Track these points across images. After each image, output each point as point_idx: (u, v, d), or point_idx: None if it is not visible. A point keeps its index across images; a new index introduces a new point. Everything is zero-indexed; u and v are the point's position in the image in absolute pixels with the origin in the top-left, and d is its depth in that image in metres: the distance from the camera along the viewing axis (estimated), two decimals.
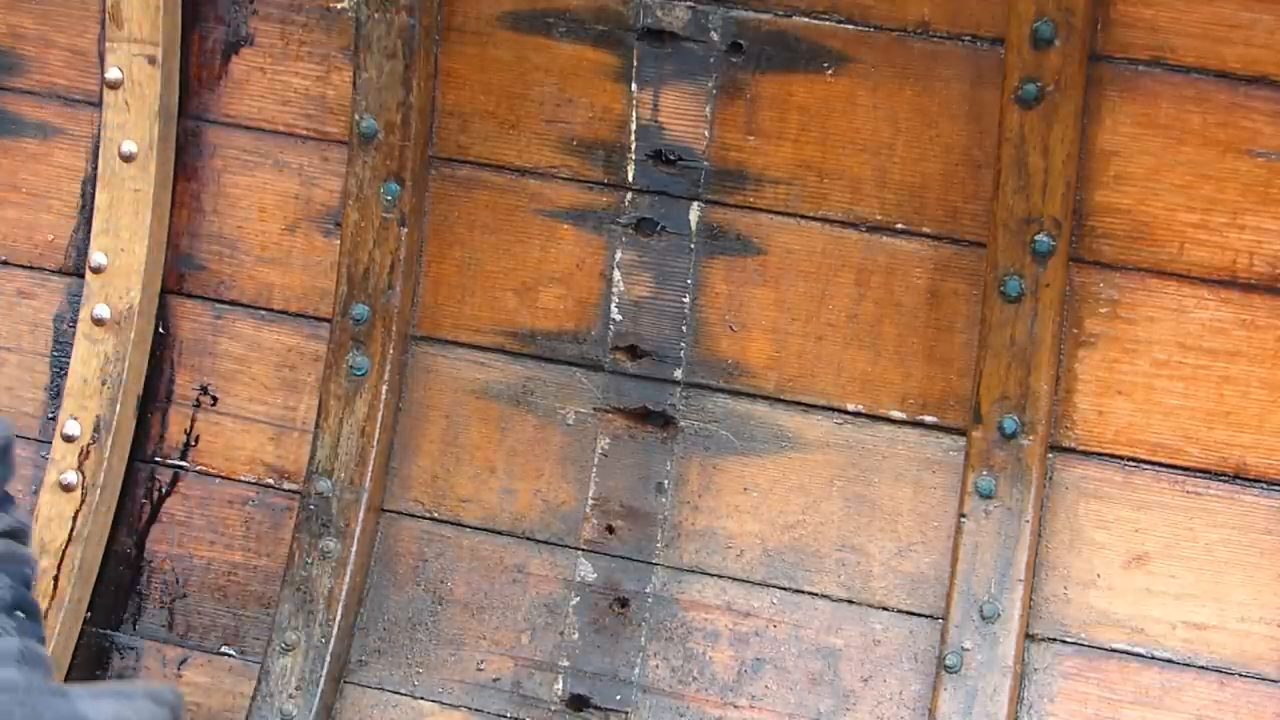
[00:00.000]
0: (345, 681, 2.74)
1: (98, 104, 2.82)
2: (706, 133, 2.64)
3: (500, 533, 2.74)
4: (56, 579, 2.78)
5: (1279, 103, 2.44)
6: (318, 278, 2.80)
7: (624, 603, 2.71)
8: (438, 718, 2.71)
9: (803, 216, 2.63)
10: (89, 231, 2.82)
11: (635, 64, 2.65)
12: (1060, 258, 2.50)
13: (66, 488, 2.77)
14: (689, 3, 2.62)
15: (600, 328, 2.71)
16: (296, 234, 2.81)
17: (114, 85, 2.79)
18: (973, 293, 2.57)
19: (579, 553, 2.71)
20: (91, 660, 2.84)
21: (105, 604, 2.85)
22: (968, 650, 2.53)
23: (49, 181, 2.87)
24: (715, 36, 2.62)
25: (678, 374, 2.68)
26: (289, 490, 2.81)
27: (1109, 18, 2.47)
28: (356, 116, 2.71)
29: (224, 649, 2.82)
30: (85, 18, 2.83)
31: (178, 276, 2.85)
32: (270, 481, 2.82)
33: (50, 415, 2.84)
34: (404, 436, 2.77)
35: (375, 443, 2.73)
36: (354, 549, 2.73)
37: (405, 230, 2.72)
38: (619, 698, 2.70)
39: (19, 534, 1.99)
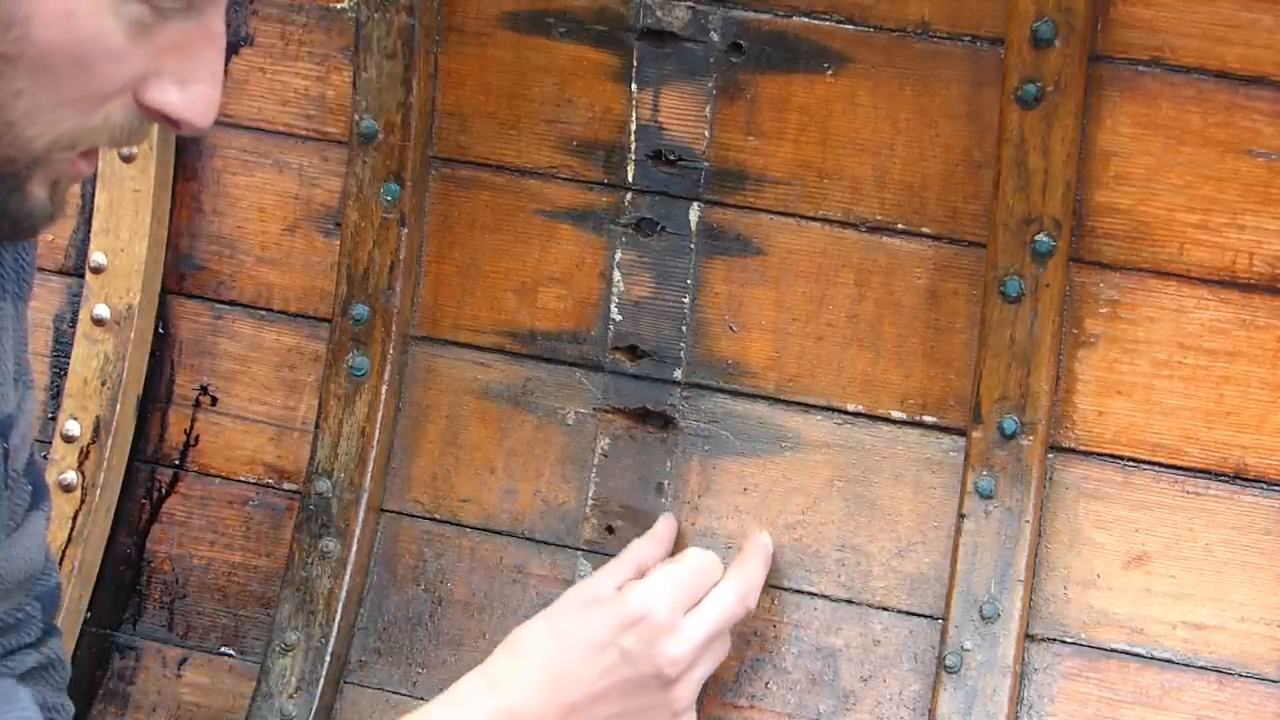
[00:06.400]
0: (345, 682, 2.74)
1: None
2: (706, 133, 2.64)
3: (500, 533, 2.74)
4: None
5: (1279, 103, 2.44)
6: (318, 278, 2.80)
7: None
8: None
9: (803, 217, 2.63)
10: (88, 232, 2.81)
11: (635, 64, 2.65)
12: (1060, 258, 2.50)
13: (66, 488, 2.77)
14: (689, 3, 2.62)
15: (600, 328, 2.70)
16: (296, 234, 2.81)
17: None
18: (973, 293, 2.57)
19: (579, 553, 2.71)
20: (91, 660, 2.84)
21: (105, 604, 2.85)
22: (968, 650, 2.52)
23: None
24: (715, 36, 2.62)
25: (678, 374, 2.68)
26: (289, 490, 2.81)
27: (1109, 18, 2.47)
28: (356, 117, 2.71)
29: (224, 649, 2.82)
30: None
31: (178, 276, 2.85)
32: (270, 481, 2.82)
33: (50, 415, 2.84)
34: (404, 436, 2.77)
35: (375, 443, 2.73)
36: (354, 549, 2.73)
37: (405, 230, 2.72)
38: None
39: (48, 667, 1.90)
